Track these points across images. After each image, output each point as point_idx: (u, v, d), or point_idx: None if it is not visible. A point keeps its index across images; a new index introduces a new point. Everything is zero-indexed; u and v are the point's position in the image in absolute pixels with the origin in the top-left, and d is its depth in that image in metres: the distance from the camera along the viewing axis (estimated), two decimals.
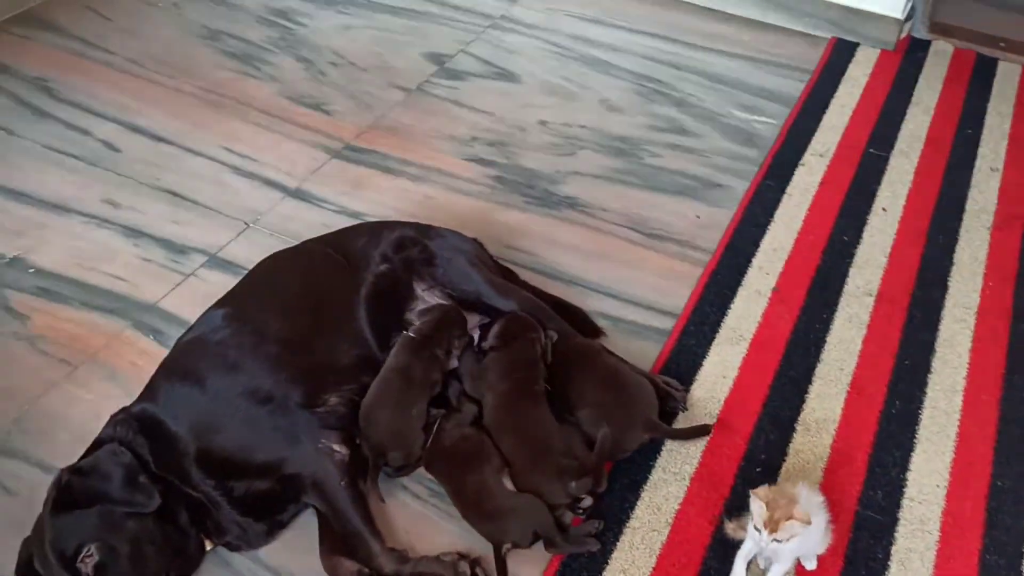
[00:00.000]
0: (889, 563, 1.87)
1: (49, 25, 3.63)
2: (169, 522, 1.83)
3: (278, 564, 1.90)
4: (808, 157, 2.94)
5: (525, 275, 2.47)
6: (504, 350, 2.07)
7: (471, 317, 2.19)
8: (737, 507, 1.92)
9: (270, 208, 2.78)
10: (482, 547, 1.86)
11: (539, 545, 1.85)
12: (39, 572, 1.75)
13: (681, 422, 2.12)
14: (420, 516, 1.96)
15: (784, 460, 2.06)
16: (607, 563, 1.87)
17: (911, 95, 3.24)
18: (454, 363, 2.09)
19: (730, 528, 1.87)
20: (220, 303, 2.13)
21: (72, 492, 1.77)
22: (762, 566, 1.82)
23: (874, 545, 1.90)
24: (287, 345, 2.00)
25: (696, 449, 2.07)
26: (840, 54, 3.44)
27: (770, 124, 3.10)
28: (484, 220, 2.70)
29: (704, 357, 2.28)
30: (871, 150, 2.98)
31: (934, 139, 3.03)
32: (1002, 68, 3.38)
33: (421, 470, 2.01)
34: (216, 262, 2.58)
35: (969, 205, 2.77)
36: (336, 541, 1.88)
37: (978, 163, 2.94)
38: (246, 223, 2.72)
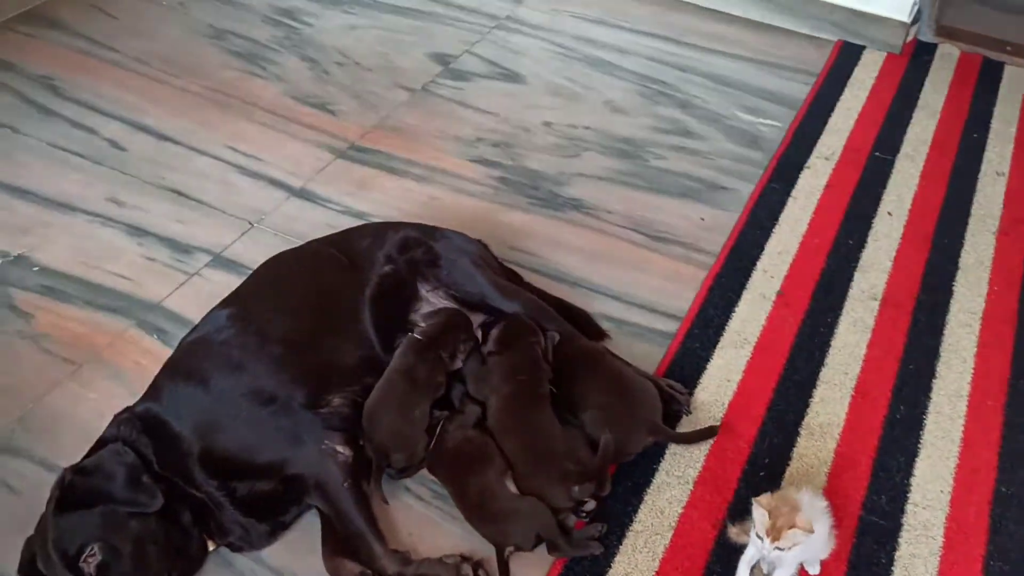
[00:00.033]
0: (893, 568, 1.87)
1: (55, 23, 3.63)
2: (172, 522, 1.82)
3: (280, 565, 1.90)
4: (813, 160, 2.94)
5: (529, 277, 2.47)
6: (505, 353, 2.07)
7: (475, 318, 2.19)
8: (740, 511, 1.91)
9: (275, 208, 2.78)
10: (485, 550, 1.86)
11: (542, 548, 1.85)
12: (42, 571, 1.75)
13: (685, 425, 2.12)
14: (423, 518, 1.96)
15: (788, 464, 2.05)
16: (610, 566, 1.86)
17: (917, 99, 3.23)
18: (459, 364, 2.09)
19: (733, 532, 1.87)
20: (224, 303, 2.12)
21: (75, 492, 1.76)
22: (765, 571, 1.81)
23: (878, 550, 1.89)
24: (291, 346, 2.00)
25: (700, 453, 2.07)
26: (846, 57, 3.43)
27: (775, 127, 3.09)
28: (488, 221, 2.69)
29: (708, 360, 2.28)
30: (876, 154, 2.98)
31: (940, 143, 3.03)
32: (1008, 72, 3.37)
33: (424, 472, 2.01)
34: (220, 262, 2.58)
35: (974, 210, 2.76)
36: (339, 542, 1.87)
37: (984, 168, 2.93)
38: (250, 223, 2.72)
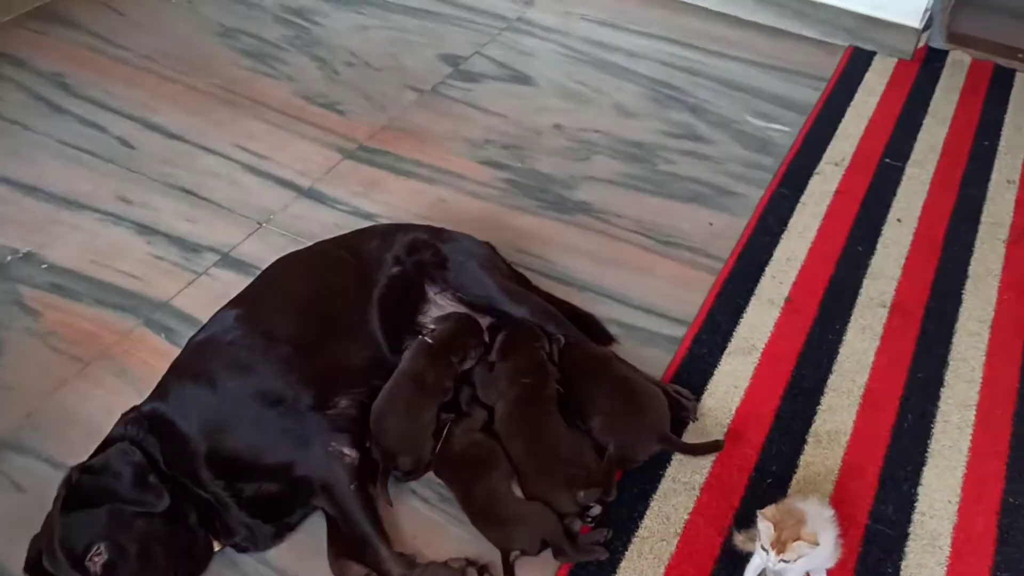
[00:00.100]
0: None
1: (65, 20, 3.64)
2: (178, 522, 1.82)
3: (286, 566, 1.90)
4: (823, 166, 2.93)
5: (537, 280, 2.47)
6: (510, 358, 2.07)
7: (483, 321, 2.19)
8: (747, 518, 1.90)
9: (283, 208, 2.78)
10: (490, 554, 1.86)
11: (547, 553, 1.84)
12: (48, 570, 1.75)
13: (691, 432, 2.11)
14: (429, 521, 1.95)
15: (795, 472, 2.05)
16: (615, 572, 1.86)
17: (927, 105, 3.22)
18: (467, 365, 2.09)
19: (739, 540, 1.86)
20: (232, 304, 2.12)
21: (82, 490, 1.76)
22: None
23: (884, 560, 1.89)
24: (299, 347, 1.99)
25: (706, 459, 2.06)
26: (857, 63, 3.42)
27: (785, 132, 3.09)
28: (496, 224, 2.69)
29: (715, 366, 2.27)
30: (887, 160, 2.97)
31: (950, 150, 3.02)
32: (1020, 80, 3.36)
33: (430, 475, 2.00)
34: (228, 261, 2.59)
35: (984, 218, 2.75)
36: (344, 544, 1.87)
37: (994, 175, 2.92)
38: (259, 222, 2.72)
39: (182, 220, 2.73)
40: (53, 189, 2.83)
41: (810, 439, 2.11)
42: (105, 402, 2.16)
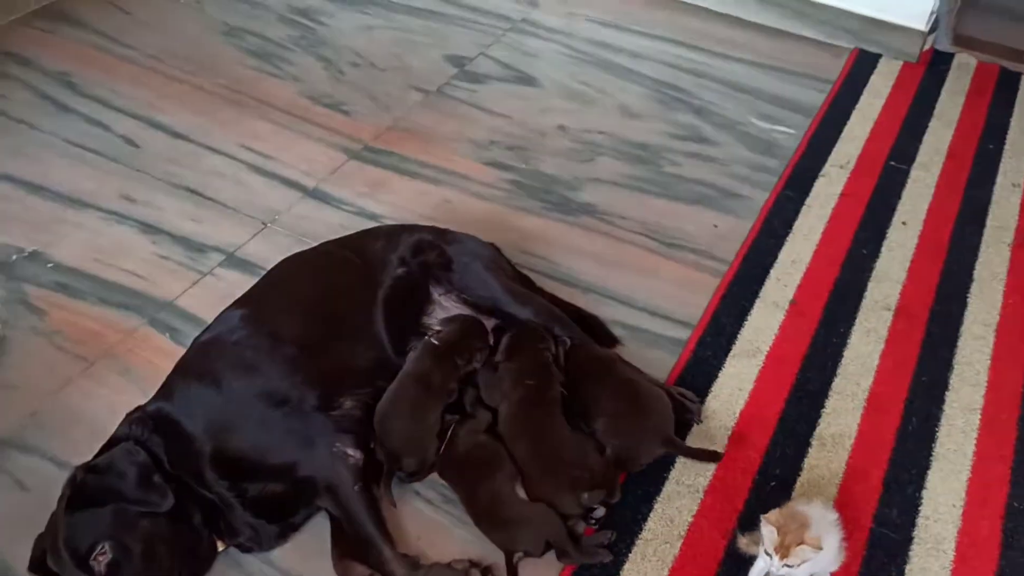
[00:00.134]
0: None
1: (72, 19, 3.65)
2: (182, 522, 1.83)
3: (289, 566, 1.90)
4: (828, 168, 2.93)
5: (541, 281, 2.47)
6: (514, 359, 2.07)
7: (487, 322, 2.19)
8: (751, 521, 1.90)
9: (288, 208, 2.78)
10: (494, 555, 1.85)
11: (551, 555, 1.84)
12: (52, 569, 1.75)
13: (696, 434, 2.11)
14: (433, 522, 1.95)
15: (799, 475, 2.04)
16: (619, 574, 1.86)
17: (933, 108, 3.22)
18: (472, 367, 2.09)
19: (743, 543, 1.86)
20: (237, 304, 2.12)
21: (87, 490, 1.77)
22: None
23: (888, 564, 1.88)
24: (304, 348, 2.00)
25: (711, 463, 2.06)
26: (862, 65, 3.42)
27: (790, 134, 3.08)
28: (501, 225, 2.69)
29: (720, 369, 2.27)
30: (892, 163, 2.97)
31: (955, 153, 3.01)
32: None
33: (434, 476, 2.00)
34: (233, 261, 2.59)
35: (989, 221, 2.75)
36: (348, 545, 1.87)
37: (999, 179, 2.91)
38: (264, 222, 2.72)
39: (187, 220, 2.73)
40: (58, 188, 2.84)
41: (814, 442, 2.11)
42: (109, 401, 2.16)
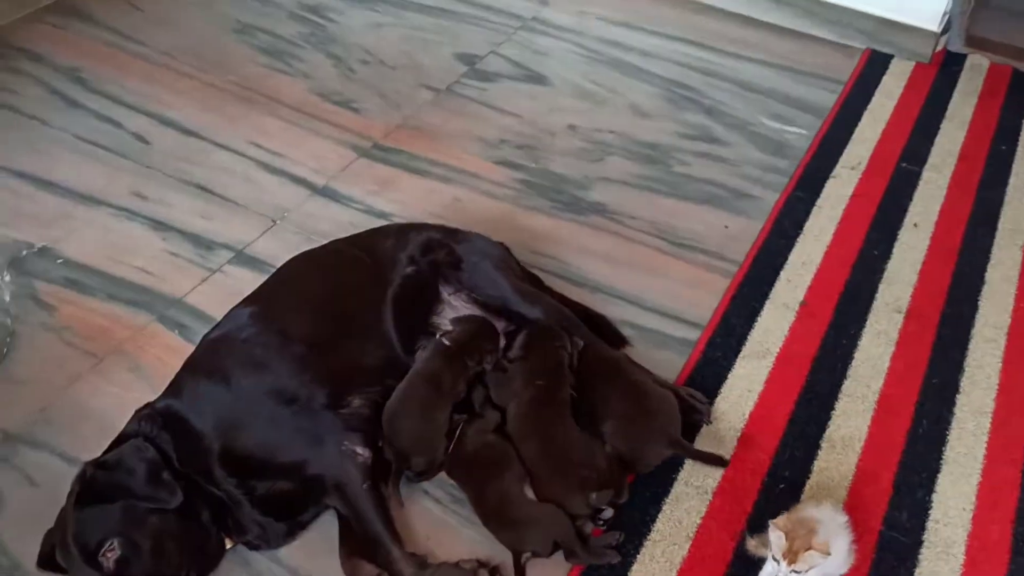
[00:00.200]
0: None
1: (83, 15, 3.65)
2: (191, 519, 1.83)
3: (297, 564, 1.90)
4: (840, 169, 2.91)
5: (550, 281, 2.46)
6: (528, 358, 2.06)
7: (496, 322, 2.18)
8: (759, 523, 1.89)
9: (297, 205, 2.78)
10: (502, 555, 1.85)
11: (559, 555, 1.84)
12: (61, 565, 1.76)
13: (705, 435, 2.11)
14: (441, 522, 1.95)
15: (808, 477, 2.03)
16: (627, 575, 1.85)
17: (945, 109, 3.20)
18: (482, 368, 2.09)
19: (752, 544, 1.86)
20: (247, 301, 2.13)
21: (96, 486, 1.77)
22: None
23: (898, 567, 1.87)
24: (313, 346, 1.99)
25: (718, 467, 2.05)
26: (874, 66, 3.40)
27: (801, 134, 3.07)
28: (511, 224, 2.69)
29: (729, 370, 2.26)
30: (903, 164, 2.95)
31: (967, 155, 3.00)
32: None
33: (443, 475, 2.00)
34: (243, 258, 2.59)
35: (1001, 223, 2.73)
36: (356, 544, 1.87)
37: (1012, 180, 2.89)
38: (273, 220, 2.72)
39: (197, 217, 2.74)
40: (69, 184, 2.84)
41: (824, 444, 2.10)
42: (118, 398, 2.17)
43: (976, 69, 3.41)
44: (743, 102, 3.23)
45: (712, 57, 3.46)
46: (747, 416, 2.16)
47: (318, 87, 3.30)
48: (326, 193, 2.83)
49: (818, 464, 2.06)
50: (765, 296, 2.47)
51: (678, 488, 2.00)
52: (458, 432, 1.98)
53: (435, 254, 2.23)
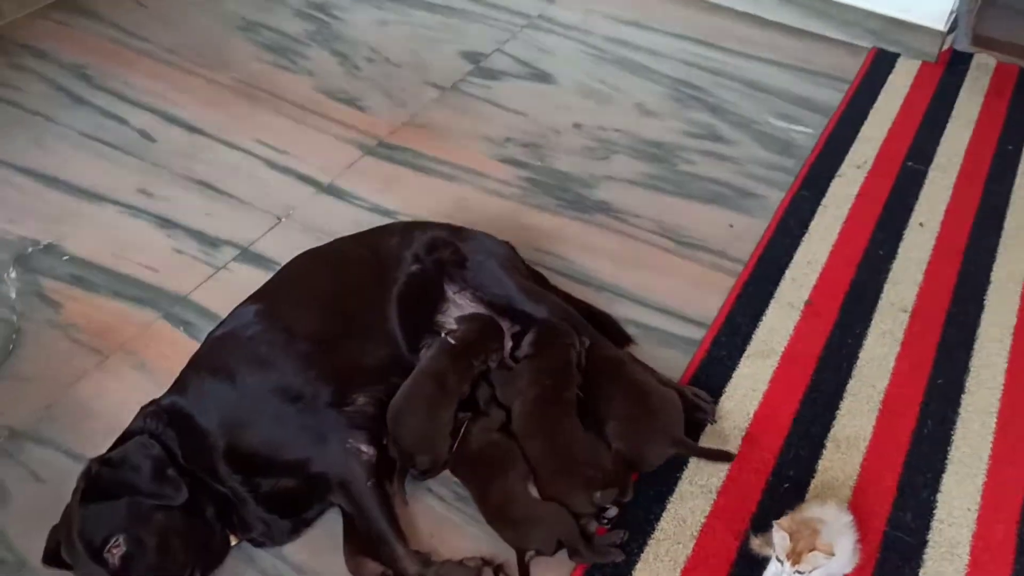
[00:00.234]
0: None
1: (88, 12, 3.66)
2: (195, 516, 1.83)
3: (302, 562, 1.90)
4: (845, 168, 2.91)
5: (555, 279, 2.46)
6: (538, 356, 2.06)
7: (501, 322, 2.18)
8: (764, 523, 1.89)
9: (302, 203, 2.78)
10: (506, 553, 1.85)
11: (563, 553, 1.84)
12: (66, 561, 1.77)
13: (709, 435, 2.10)
14: (445, 520, 1.96)
15: (813, 477, 2.03)
16: (631, 574, 1.85)
17: (951, 108, 3.19)
18: (487, 367, 2.09)
19: (756, 544, 1.86)
20: (252, 299, 2.13)
21: (101, 483, 1.78)
22: None
23: (902, 567, 1.87)
24: (318, 343, 2.00)
25: (723, 463, 2.05)
26: (880, 65, 3.40)
27: (807, 133, 3.07)
28: (516, 222, 2.69)
29: (734, 369, 2.26)
30: (909, 163, 2.94)
31: (974, 154, 2.99)
32: None
33: (447, 473, 2.00)
34: (248, 256, 2.59)
35: (1008, 223, 2.72)
36: (360, 541, 1.88)
37: (1018, 180, 2.88)
38: (278, 217, 2.73)
39: (202, 214, 2.74)
40: (74, 181, 2.85)
41: (829, 444, 2.10)
42: (124, 395, 2.18)
43: (983, 68, 3.40)
44: (749, 101, 3.23)
45: (718, 56, 3.46)
46: (752, 415, 2.15)
47: (323, 85, 3.30)
48: (331, 191, 2.83)
49: (823, 464, 2.06)
50: (770, 295, 2.46)
51: (682, 487, 2.00)
52: (462, 430, 1.98)
53: (440, 252, 2.23)
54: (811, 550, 1.66)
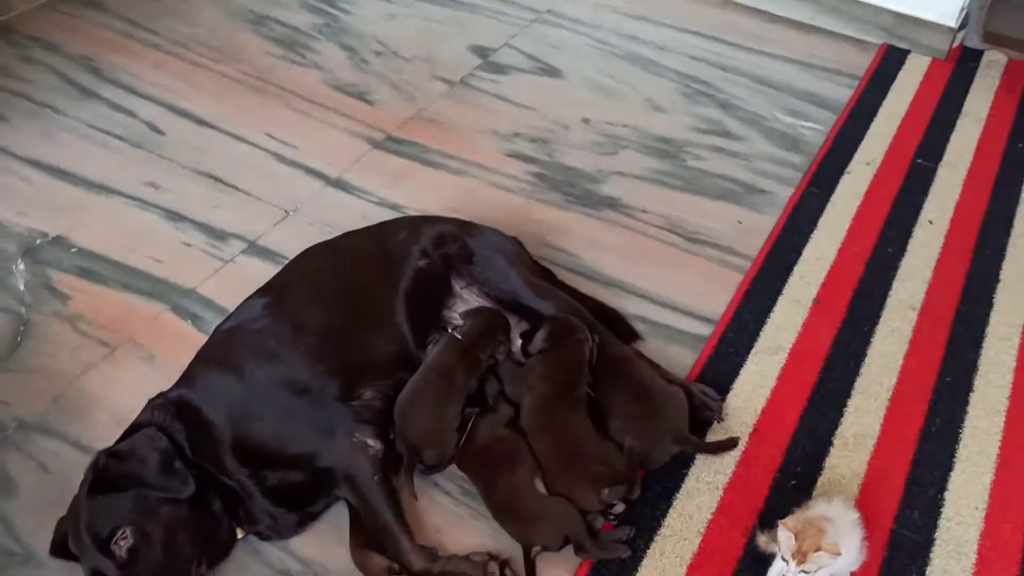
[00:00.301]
0: None
1: (96, 4, 3.66)
2: (202, 509, 1.84)
3: (308, 555, 1.91)
4: (854, 165, 2.90)
5: (563, 275, 2.46)
6: (551, 352, 2.06)
7: (509, 317, 2.18)
8: (770, 519, 1.88)
9: (310, 197, 2.78)
10: (512, 548, 1.86)
11: (569, 549, 1.84)
12: (73, 552, 1.77)
13: (716, 432, 2.10)
14: (451, 515, 1.96)
15: (820, 474, 2.03)
16: (637, 570, 1.85)
17: (961, 105, 3.18)
18: (494, 361, 2.08)
19: (762, 541, 1.85)
20: (260, 292, 2.13)
21: (108, 475, 1.78)
22: None
23: (909, 565, 1.87)
24: (325, 337, 2.00)
25: (730, 460, 2.05)
26: (890, 61, 3.38)
27: (816, 130, 3.05)
28: (523, 217, 2.68)
29: (742, 366, 2.26)
30: (919, 160, 2.93)
31: (983, 151, 2.98)
32: None
33: (454, 468, 2.00)
34: (255, 249, 2.59)
35: (1017, 221, 2.71)
36: (366, 535, 1.88)
37: None
38: (286, 211, 2.73)
39: (210, 207, 2.74)
40: (83, 173, 2.85)
41: (836, 441, 2.10)
42: (131, 387, 2.18)
43: (993, 65, 3.38)
44: (758, 97, 3.21)
45: (728, 51, 3.45)
46: (759, 412, 2.15)
47: (332, 78, 3.29)
48: (339, 185, 2.83)
49: (830, 461, 2.05)
50: (778, 292, 2.46)
51: (689, 483, 2.00)
52: (470, 426, 1.98)
53: (448, 247, 2.23)
54: (817, 550, 1.65)
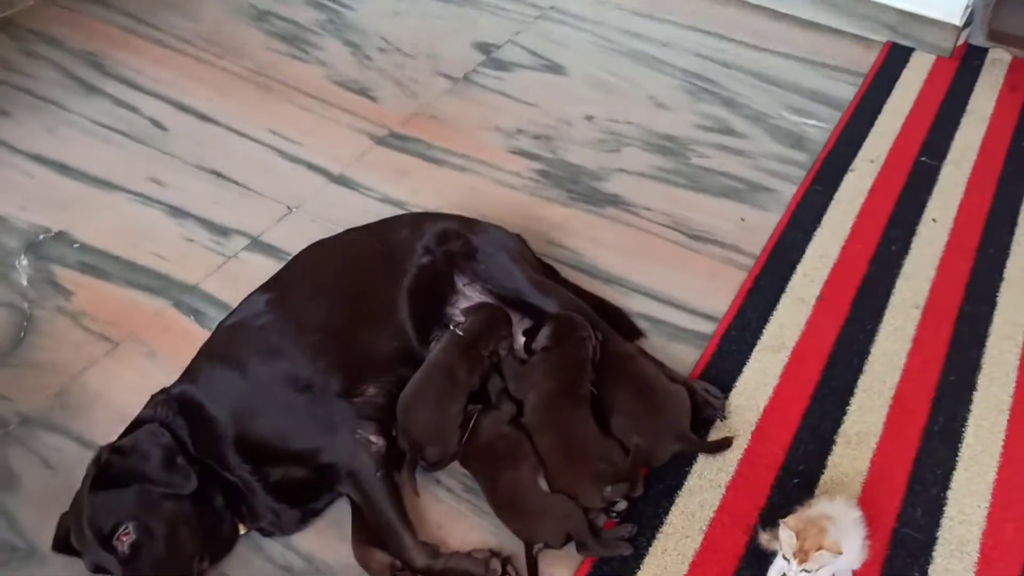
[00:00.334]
0: None
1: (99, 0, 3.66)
2: (205, 505, 1.84)
3: (310, 551, 1.91)
4: (858, 163, 2.89)
5: (566, 272, 2.45)
6: (554, 350, 2.06)
7: (512, 314, 2.18)
8: (772, 517, 1.87)
9: (314, 193, 2.78)
10: (514, 545, 1.86)
11: (571, 546, 1.84)
12: (76, 548, 1.77)
13: (718, 430, 2.10)
14: (454, 512, 1.96)
15: (822, 472, 2.03)
16: (639, 568, 1.85)
17: (966, 104, 3.17)
18: (497, 358, 2.08)
19: (764, 538, 1.85)
20: (263, 288, 2.13)
21: (111, 471, 1.78)
22: None
23: (911, 564, 1.87)
24: (328, 334, 2.00)
25: (733, 457, 2.04)
26: (894, 59, 3.37)
27: (820, 128, 3.05)
28: (527, 214, 2.68)
29: (744, 364, 2.25)
30: (923, 159, 2.92)
31: (988, 150, 2.97)
32: None
33: (456, 465, 2.00)
34: (258, 245, 2.59)
35: (1021, 219, 2.70)
36: (369, 532, 1.88)
37: None
38: (289, 207, 2.73)
39: (213, 203, 2.74)
40: (85, 168, 2.85)
41: (839, 439, 2.09)
42: (133, 382, 2.18)
43: (997, 63, 3.38)
44: (762, 94, 3.21)
45: (731, 49, 3.44)
46: (762, 410, 2.15)
47: (335, 74, 3.29)
48: (342, 181, 2.83)
49: (832, 459, 2.05)
50: (781, 290, 2.45)
51: (691, 481, 2.00)
52: (472, 422, 1.98)
53: (451, 244, 2.23)
54: (818, 549, 1.65)
